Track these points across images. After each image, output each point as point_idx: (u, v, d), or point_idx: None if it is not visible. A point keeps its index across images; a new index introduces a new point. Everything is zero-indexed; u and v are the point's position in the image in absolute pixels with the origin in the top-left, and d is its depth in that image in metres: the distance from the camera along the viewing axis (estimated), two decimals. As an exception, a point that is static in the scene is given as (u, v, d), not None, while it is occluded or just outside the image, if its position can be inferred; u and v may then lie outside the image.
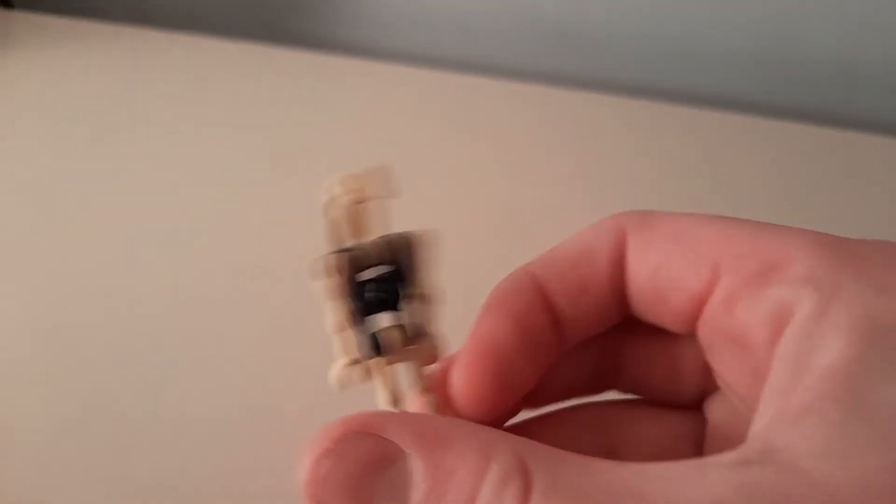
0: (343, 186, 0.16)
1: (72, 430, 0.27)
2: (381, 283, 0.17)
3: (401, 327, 0.17)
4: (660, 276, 0.18)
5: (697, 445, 0.21)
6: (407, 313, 0.17)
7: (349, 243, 0.16)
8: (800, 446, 0.14)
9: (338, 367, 0.17)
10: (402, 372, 0.17)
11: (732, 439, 0.18)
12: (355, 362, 0.17)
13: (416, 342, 0.17)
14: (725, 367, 0.19)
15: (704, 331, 0.19)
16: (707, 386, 0.20)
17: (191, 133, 0.45)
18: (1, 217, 0.36)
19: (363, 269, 0.16)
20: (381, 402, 0.17)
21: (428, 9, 0.60)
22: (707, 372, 0.20)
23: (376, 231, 0.16)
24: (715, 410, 0.20)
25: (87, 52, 0.55)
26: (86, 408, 0.27)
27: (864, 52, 0.54)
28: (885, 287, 0.15)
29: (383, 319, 0.17)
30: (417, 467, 0.14)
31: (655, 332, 0.20)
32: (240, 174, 0.41)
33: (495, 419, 0.19)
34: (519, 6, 0.58)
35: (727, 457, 0.14)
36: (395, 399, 0.17)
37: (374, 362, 0.17)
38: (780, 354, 0.16)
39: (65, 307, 0.31)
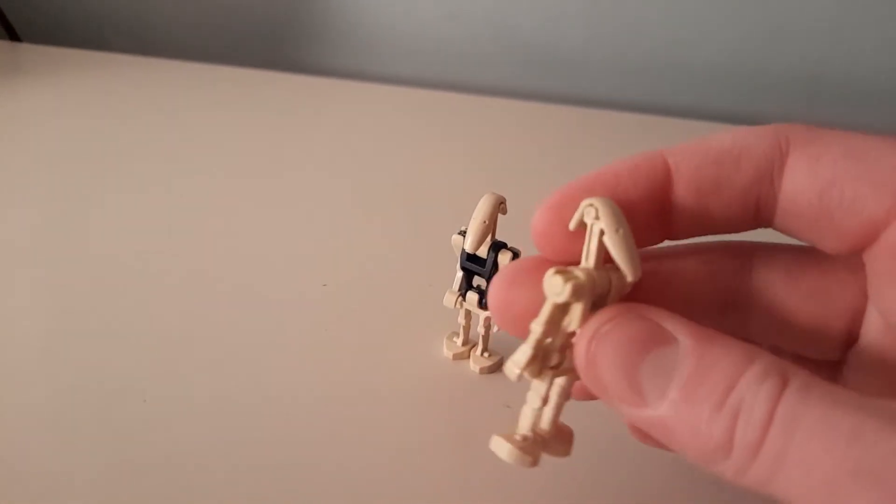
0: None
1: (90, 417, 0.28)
2: (483, 266, 0.28)
3: (482, 293, 0.29)
4: (830, 194, 0.17)
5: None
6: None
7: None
8: None
9: (448, 293, 0.30)
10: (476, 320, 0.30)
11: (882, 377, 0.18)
12: (455, 294, 0.29)
13: (485, 308, 0.29)
14: (891, 299, 0.17)
15: (876, 258, 0.17)
16: (852, 332, 0.19)
17: (190, 154, 0.47)
18: (10, 230, 0.38)
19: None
20: (460, 321, 0.30)
21: (414, 36, 0.63)
22: (857, 314, 0.19)
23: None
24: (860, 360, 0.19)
25: (90, 80, 0.57)
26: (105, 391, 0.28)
27: (828, 67, 0.58)
28: None
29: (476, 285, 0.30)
30: (685, 353, 0.15)
31: (798, 262, 0.19)
32: (238, 187, 0.43)
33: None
34: (507, 31, 0.62)
35: None
36: (466, 323, 0.30)
37: (461, 300, 0.29)
38: None
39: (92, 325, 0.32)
